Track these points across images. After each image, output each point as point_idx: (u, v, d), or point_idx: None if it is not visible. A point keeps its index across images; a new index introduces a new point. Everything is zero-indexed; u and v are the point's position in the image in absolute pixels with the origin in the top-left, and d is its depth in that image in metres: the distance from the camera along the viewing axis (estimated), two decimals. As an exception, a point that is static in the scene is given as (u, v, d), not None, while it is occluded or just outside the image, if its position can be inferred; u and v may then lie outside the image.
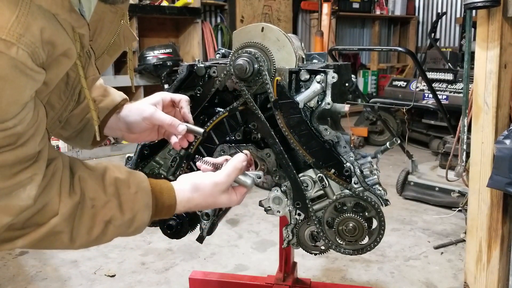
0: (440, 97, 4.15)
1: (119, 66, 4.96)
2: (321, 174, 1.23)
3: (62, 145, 4.55)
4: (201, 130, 1.20)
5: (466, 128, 2.30)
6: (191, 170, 1.33)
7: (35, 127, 0.83)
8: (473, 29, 2.55)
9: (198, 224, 1.35)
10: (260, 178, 1.12)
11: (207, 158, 1.12)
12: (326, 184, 1.23)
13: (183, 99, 1.22)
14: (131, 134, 1.23)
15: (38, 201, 0.84)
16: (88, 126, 1.21)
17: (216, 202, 1.07)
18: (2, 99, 0.73)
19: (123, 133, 1.24)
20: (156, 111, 1.18)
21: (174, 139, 1.21)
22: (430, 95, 4.58)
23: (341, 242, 1.22)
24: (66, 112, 1.05)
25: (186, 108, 1.22)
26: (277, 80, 1.21)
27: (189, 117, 1.22)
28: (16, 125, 0.77)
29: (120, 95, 1.26)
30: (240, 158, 1.09)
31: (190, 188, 1.05)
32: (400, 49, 4.18)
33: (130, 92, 1.29)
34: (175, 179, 1.33)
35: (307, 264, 2.55)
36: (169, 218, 1.08)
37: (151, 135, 1.24)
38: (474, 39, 1.78)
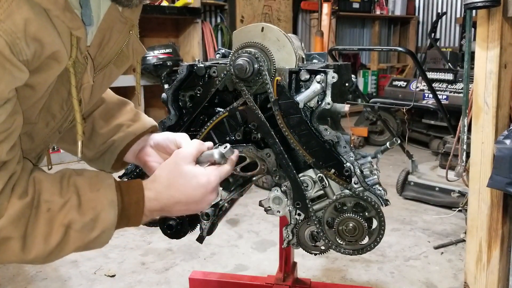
0: (440, 97, 4.15)
1: (119, 66, 4.95)
2: (321, 174, 1.23)
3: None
4: None
5: (466, 128, 2.29)
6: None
7: (6, 134, 0.76)
8: (473, 29, 2.55)
9: (198, 224, 1.35)
10: (227, 149, 1.00)
11: None
12: (326, 184, 1.23)
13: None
14: (155, 161, 1.15)
15: None
16: (111, 148, 1.17)
17: (181, 173, 0.94)
18: None
19: (146, 158, 1.17)
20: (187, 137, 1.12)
21: None
22: (430, 95, 4.58)
23: (341, 242, 1.22)
24: (66, 122, 0.99)
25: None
26: (277, 80, 1.21)
27: None
28: None
29: (150, 122, 1.21)
30: (207, 143, 1.04)
31: (155, 172, 0.98)
32: (400, 49, 4.18)
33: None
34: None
35: (307, 264, 2.55)
36: (138, 222, 0.94)
37: None
38: (474, 39, 1.78)
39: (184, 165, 0.96)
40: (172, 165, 0.97)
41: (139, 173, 1.33)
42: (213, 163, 1.03)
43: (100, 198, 0.87)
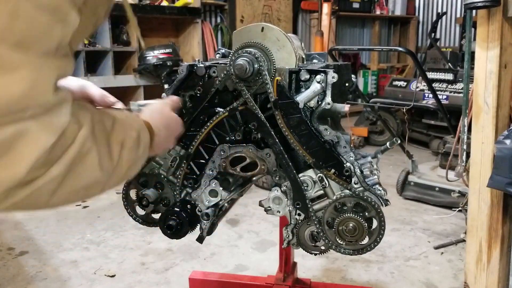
0: (440, 97, 4.14)
1: (119, 66, 4.95)
2: (321, 174, 1.23)
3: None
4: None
5: (466, 128, 2.29)
6: (191, 170, 1.33)
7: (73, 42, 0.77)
8: (473, 29, 2.55)
9: (198, 224, 1.35)
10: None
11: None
12: (326, 184, 1.23)
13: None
14: None
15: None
16: None
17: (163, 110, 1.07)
18: None
19: None
20: (91, 84, 1.15)
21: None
22: (430, 95, 4.58)
23: (341, 242, 1.22)
24: None
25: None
26: (277, 80, 1.21)
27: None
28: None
29: None
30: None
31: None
32: (400, 49, 4.18)
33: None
34: (176, 180, 1.33)
35: (307, 264, 2.55)
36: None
37: None
38: (474, 39, 1.78)
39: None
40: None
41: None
42: None
43: (135, 120, 0.94)
